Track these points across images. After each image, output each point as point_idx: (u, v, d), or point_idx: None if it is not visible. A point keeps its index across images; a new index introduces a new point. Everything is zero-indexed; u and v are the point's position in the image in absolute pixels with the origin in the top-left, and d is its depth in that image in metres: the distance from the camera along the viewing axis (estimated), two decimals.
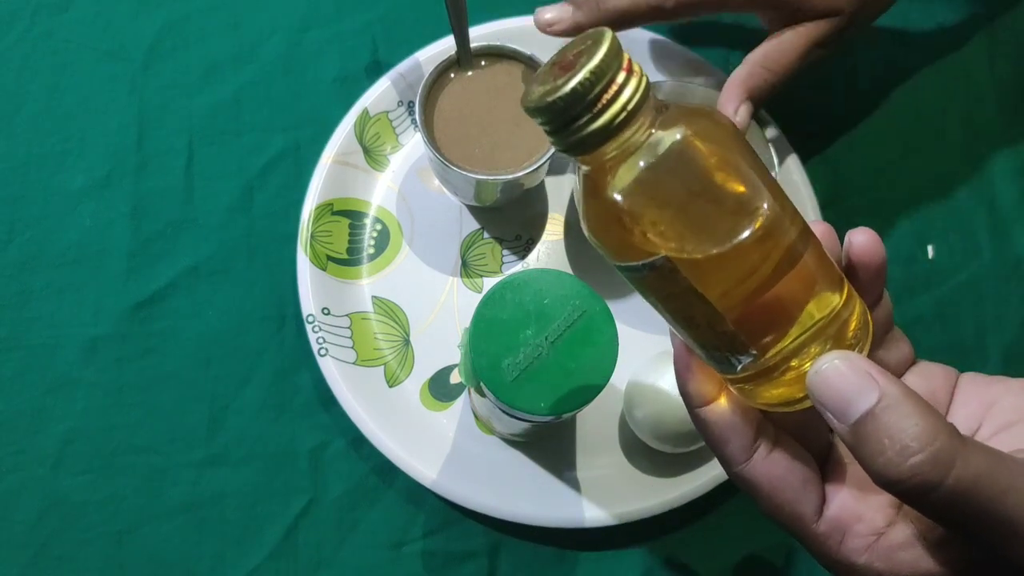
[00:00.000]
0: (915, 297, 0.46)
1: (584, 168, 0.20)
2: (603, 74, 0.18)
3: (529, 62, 0.40)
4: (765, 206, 0.19)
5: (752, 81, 0.38)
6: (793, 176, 0.45)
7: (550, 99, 0.18)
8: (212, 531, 0.40)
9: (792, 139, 0.46)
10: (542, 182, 0.45)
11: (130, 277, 0.43)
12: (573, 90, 0.18)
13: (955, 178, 0.48)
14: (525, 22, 0.46)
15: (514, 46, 0.40)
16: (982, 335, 0.46)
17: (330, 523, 0.41)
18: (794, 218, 0.20)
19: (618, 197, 0.19)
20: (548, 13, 0.38)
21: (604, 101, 0.18)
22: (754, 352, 0.20)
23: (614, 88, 0.18)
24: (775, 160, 0.42)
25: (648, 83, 0.19)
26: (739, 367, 0.21)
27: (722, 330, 0.20)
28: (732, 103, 0.38)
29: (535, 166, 0.39)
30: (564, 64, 0.19)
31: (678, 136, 0.19)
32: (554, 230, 0.45)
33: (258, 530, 0.41)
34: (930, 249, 0.47)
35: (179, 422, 0.41)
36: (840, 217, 0.46)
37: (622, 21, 0.38)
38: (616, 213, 0.19)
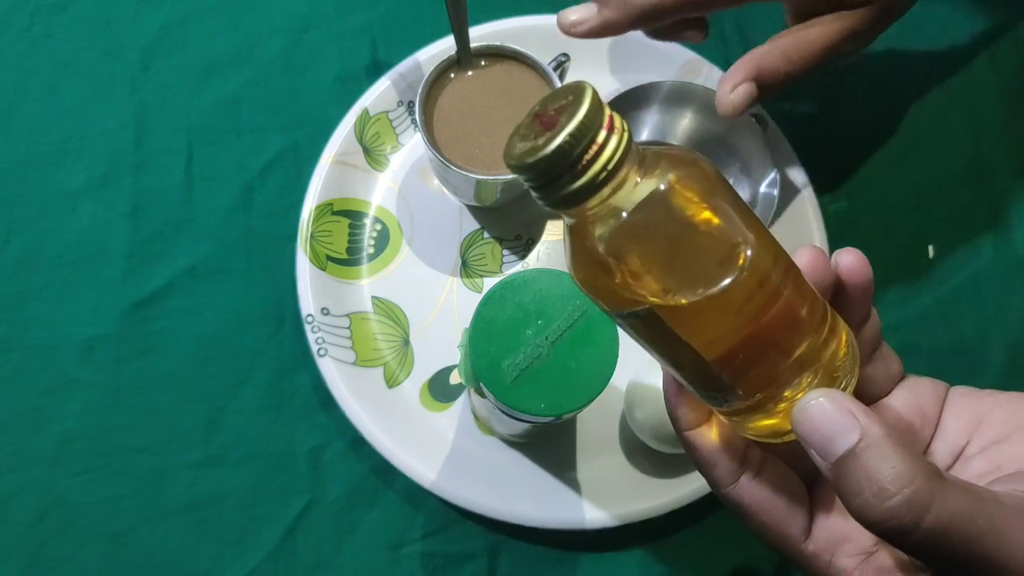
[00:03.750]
0: (916, 297, 0.46)
1: (569, 220, 0.20)
2: (583, 135, 0.18)
3: (529, 62, 0.40)
4: (748, 252, 0.19)
5: (766, 63, 0.34)
6: (793, 176, 0.45)
7: (530, 160, 0.18)
8: (210, 532, 0.40)
9: (792, 139, 0.46)
10: None
11: (128, 277, 0.43)
12: (554, 152, 0.18)
13: (956, 176, 0.48)
14: (525, 22, 0.46)
15: (514, 46, 0.40)
16: (984, 335, 0.46)
17: (329, 524, 0.41)
18: (777, 257, 0.20)
19: (603, 248, 0.19)
20: (573, 14, 0.35)
21: (585, 161, 0.18)
22: (740, 392, 0.20)
23: (595, 148, 0.18)
24: (773, 161, 0.42)
25: (630, 138, 0.19)
26: (724, 405, 0.21)
27: (707, 374, 0.20)
28: (735, 78, 0.34)
29: None
30: (545, 119, 0.19)
31: (661, 187, 0.19)
32: (554, 230, 0.45)
33: (257, 531, 0.40)
34: (930, 249, 0.47)
35: (177, 422, 0.41)
36: (840, 217, 0.46)
37: (652, 16, 0.34)
38: (602, 263, 0.19)
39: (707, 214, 0.19)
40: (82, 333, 0.42)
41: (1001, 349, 0.46)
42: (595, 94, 0.18)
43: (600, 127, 0.18)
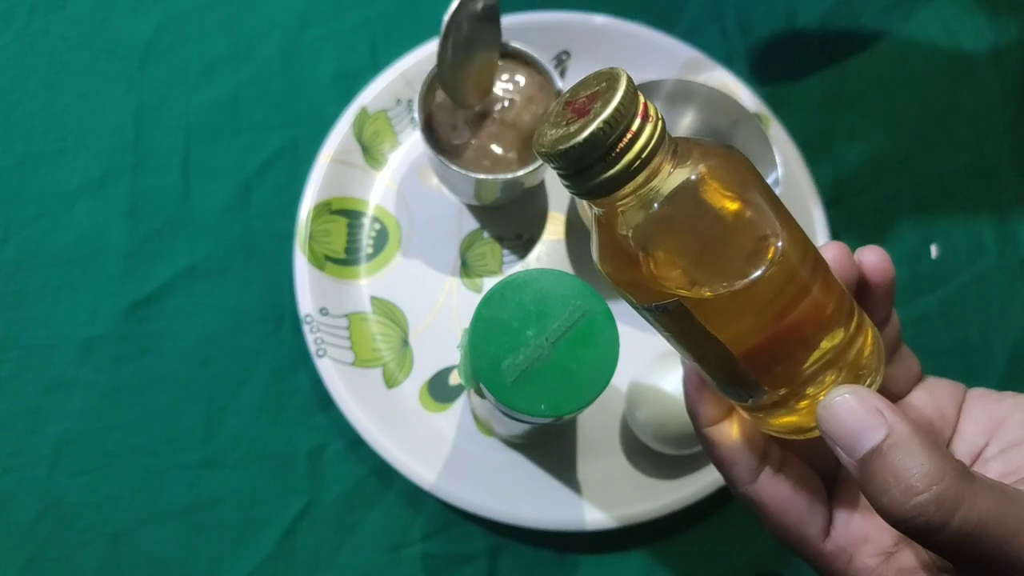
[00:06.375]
0: (920, 296, 0.46)
1: (598, 210, 0.20)
2: (618, 123, 0.17)
3: (529, 60, 0.40)
4: (779, 244, 0.19)
5: None
6: (797, 175, 0.45)
7: (563, 147, 0.18)
8: (209, 533, 0.40)
9: (796, 138, 0.45)
10: (542, 181, 0.45)
11: (127, 277, 0.42)
12: (587, 140, 0.17)
13: (960, 176, 0.48)
14: (525, 19, 0.46)
15: (514, 43, 0.39)
16: (987, 334, 0.46)
17: (328, 525, 0.41)
18: (806, 251, 0.20)
19: (633, 239, 0.19)
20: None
21: (619, 150, 0.18)
22: (765, 389, 0.20)
23: (629, 136, 0.18)
24: (778, 160, 0.41)
25: (663, 127, 0.18)
26: (749, 401, 0.21)
27: (733, 368, 0.20)
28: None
29: (535, 165, 0.38)
30: (578, 107, 0.18)
31: (692, 177, 0.18)
32: (554, 229, 0.45)
33: (256, 532, 0.40)
34: (933, 248, 0.47)
35: (176, 423, 0.41)
36: (844, 216, 0.46)
37: None
38: (630, 254, 0.19)
39: (739, 206, 0.19)
40: (80, 333, 0.42)
41: (1003, 350, 0.45)
42: (630, 81, 0.18)
43: (635, 115, 0.18)
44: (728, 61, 0.47)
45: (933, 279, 0.46)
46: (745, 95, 0.45)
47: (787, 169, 0.44)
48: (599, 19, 0.46)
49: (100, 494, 0.40)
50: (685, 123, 0.44)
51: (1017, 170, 0.48)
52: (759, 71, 0.48)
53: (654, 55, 0.46)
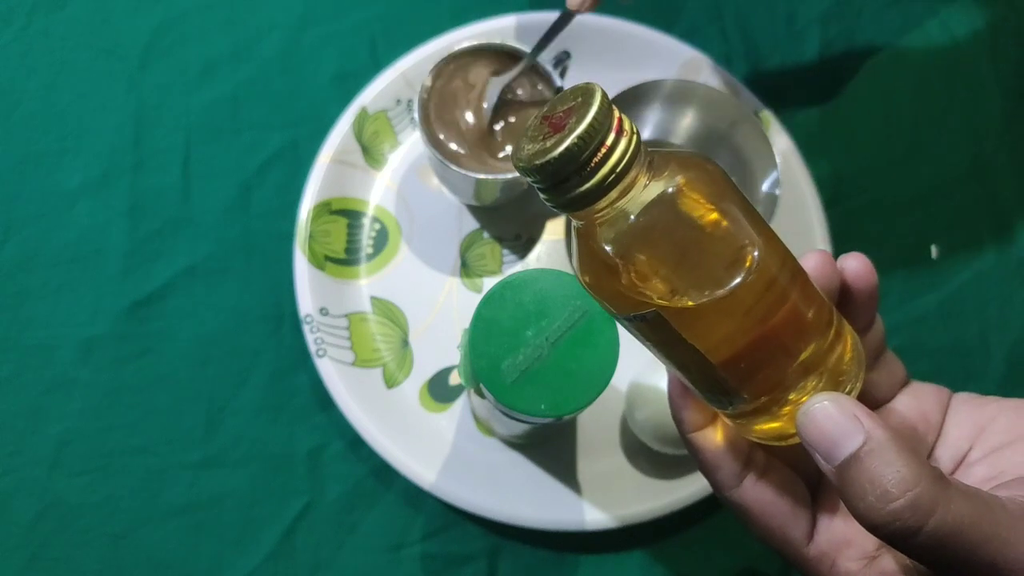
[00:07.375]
0: (919, 297, 0.46)
1: (577, 222, 0.20)
2: (592, 138, 0.18)
3: (529, 60, 0.40)
4: (756, 255, 0.19)
5: None
6: (796, 176, 0.45)
7: (539, 162, 0.18)
8: (209, 533, 0.40)
9: (795, 138, 0.45)
10: None
11: (127, 277, 0.42)
12: (562, 155, 0.18)
13: (958, 177, 0.48)
14: (526, 19, 0.46)
15: (515, 44, 0.39)
16: (986, 335, 0.46)
17: (328, 525, 0.41)
18: (784, 260, 0.20)
19: (610, 250, 0.19)
20: None
21: (593, 164, 0.18)
22: (745, 395, 0.20)
23: (603, 151, 0.18)
24: (778, 160, 0.41)
25: (639, 140, 0.19)
26: (730, 408, 0.21)
27: (713, 377, 0.20)
28: None
29: None
30: (554, 121, 0.19)
31: (669, 190, 0.19)
32: (554, 229, 0.45)
33: (256, 532, 0.40)
34: (933, 249, 0.47)
35: (176, 423, 0.41)
36: (843, 217, 0.46)
37: None
38: (609, 265, 0.19)
39: (715, 217, 0.19)
40: (80, 333, 0.42)
41: (1001, 350, 0.45)
42: (604, 96, 0.18)
43: (609, 130, 0.18)
44: (728, 61, 0.47)
45: (932, 280, 0.46)
46: (745, 95, 0.46)
47: (787, 169, 0.45)
48: (599, 19, 0.46)
49: (100, 494, 0.40)
50: (685, 123, 0.44)
51: (1015, 170, 0.48)
52: (759, 71, 0.48)
53: (654, 55, 0.46)
